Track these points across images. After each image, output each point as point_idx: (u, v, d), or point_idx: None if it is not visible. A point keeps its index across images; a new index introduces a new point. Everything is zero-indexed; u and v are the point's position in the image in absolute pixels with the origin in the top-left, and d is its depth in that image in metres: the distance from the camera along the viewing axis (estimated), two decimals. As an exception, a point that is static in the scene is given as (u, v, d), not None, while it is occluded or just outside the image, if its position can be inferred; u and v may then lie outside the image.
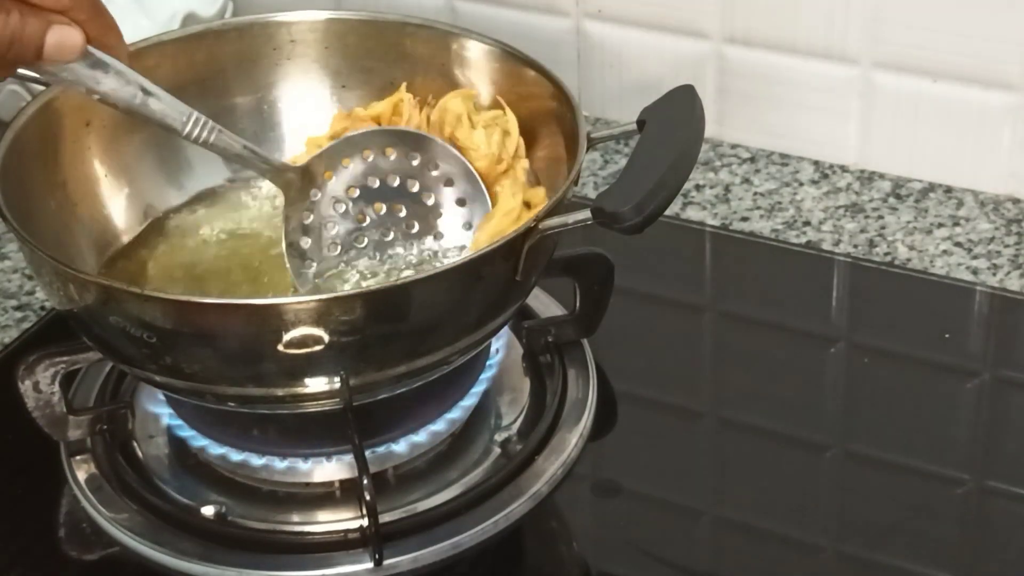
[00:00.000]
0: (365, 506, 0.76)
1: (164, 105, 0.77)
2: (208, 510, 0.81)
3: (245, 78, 0.93)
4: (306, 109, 0.94)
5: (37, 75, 0.75)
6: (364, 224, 0.86)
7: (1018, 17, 0.99)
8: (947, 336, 0.93)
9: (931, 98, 1.03)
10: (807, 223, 1.03)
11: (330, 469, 0.81)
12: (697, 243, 1.04)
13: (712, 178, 1.08)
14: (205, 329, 0.73)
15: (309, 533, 0.80)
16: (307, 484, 0.82)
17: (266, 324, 0.72)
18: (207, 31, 0.93)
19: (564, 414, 0.86)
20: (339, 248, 0.85)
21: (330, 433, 0.79)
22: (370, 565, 0.77)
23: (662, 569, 0.80)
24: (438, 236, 0.86)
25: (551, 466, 0.82)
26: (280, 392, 0.76)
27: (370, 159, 0.86)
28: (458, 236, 0.85)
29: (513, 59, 0.88)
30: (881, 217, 1.03)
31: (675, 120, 0.79)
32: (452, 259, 0.85)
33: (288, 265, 0.84)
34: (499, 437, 0.85)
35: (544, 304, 0.92)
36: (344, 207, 0.86)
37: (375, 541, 0.76)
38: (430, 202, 0.86)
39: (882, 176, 1.07)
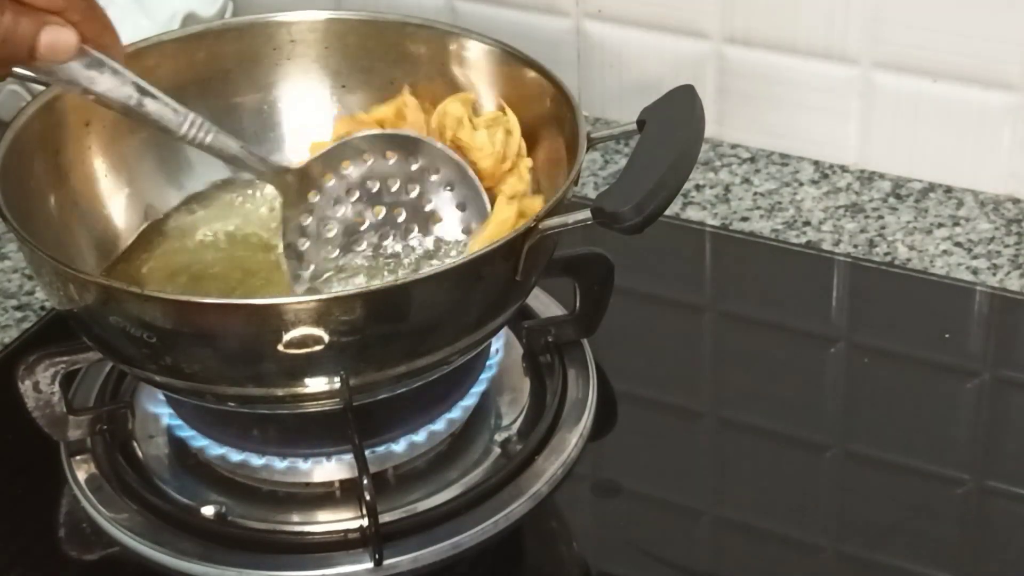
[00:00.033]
0: (365, 506, 0.76)
1: (160, 106, 0.77)
2: (208, 510, 0.81)
3: (245, 78, 0.93)
4: (306, 109, 0.94)
5: (35, 75, 0.75)
6: (363, 227, 0.86)
7: (1018, 17, 0.99)
8: (947, 336, 0.93)
9: (931, 98, 1.03)
10: (807, 223, 1.03)
11: (330, 469, 0.81)
12: (697, 243, 1.04)
13: (712, 178, 1.08)
14: (205, 329, 0.73)
15: (309, 533, 0.80)
16: (307, 484, 0.82)
17: (266, 324, 0.72)
18: (207, 31, 0.93)
19: (564, 414, 0.86)
20: (337, 251, 0.85)
21: (330, 433, 0.79)
22: (370, 565, 0.77)
23: (662, 569, 0.81)
24: (436, 241, 0.85)
25: (551, 466, 0.82)
26: (280, 392, 0.76)
27: (370, 162, 0.86)
28: (456, 241, 0.85)
29: (513, 59, 0.88)
30: (881, 217, 1.03)
31: (675, 120, 0.79)
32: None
33: (285, 267, 0.84)
34: (499, 437, 0.85)
35: (544, 304, 0.92)
36: (343, 210, 0.85)
37: (375, 541, 0.76)
38: (429, 207, 0.86)
39: (882, 176, 1.07)
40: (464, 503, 0.80)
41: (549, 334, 0.90)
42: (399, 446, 0.82)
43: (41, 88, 0.85)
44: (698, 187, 1.07)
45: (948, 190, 1.05)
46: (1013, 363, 0.92)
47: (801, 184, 1.07)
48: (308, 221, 0.85)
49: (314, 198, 0.85)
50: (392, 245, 0.85)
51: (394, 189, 0.86)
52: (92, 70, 0.74)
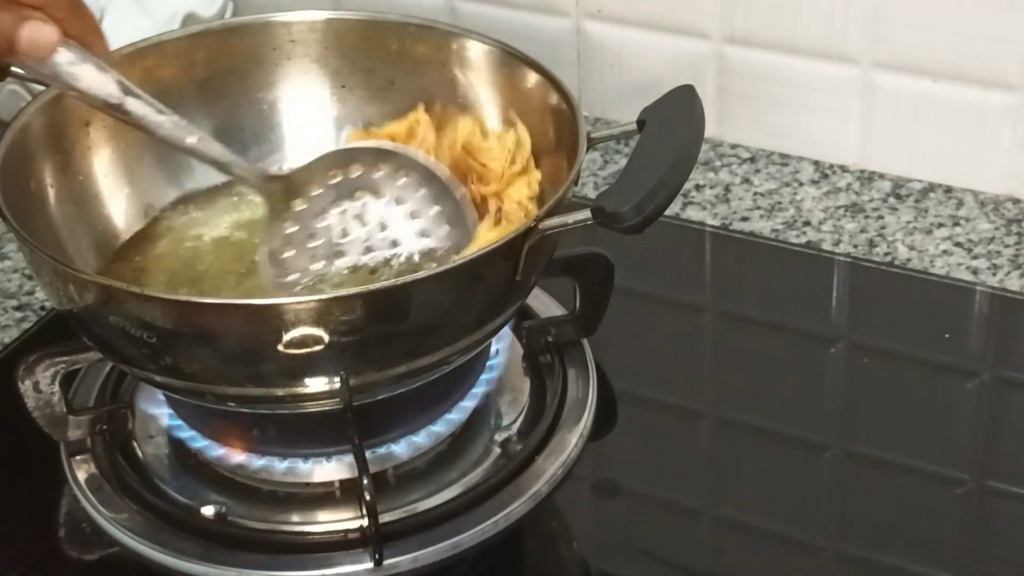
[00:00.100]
0: (365, 506, 0.76)
1: (143, 105, 0.77)
2: (208, 510, 0.81)
3: (245, 78, 0.93)
4: (306, 109, 0.94)
5: (21, 70, 0.75)
6: (347, 239, 0.85)
7: (1018, 17, 0.99)
8: (947, 336, 0.93)
9: (931, 98, 1.03)
10: (807, 223, 1.03)
11: (330, 469, 0.81)
12: (697, 243, 1.04)
13: (712, 178, 1.08)
14: (205, 329, 0.73)
15: (309, 533, 0.80)
16: (307, 484, 0.82)
17: (266, 324, 0.72)
18: (207, 31, 0.93)
19: (564, 414, 0.86)
20: (321, 262, 0.84)
21: (330, 433, 0.79)
22: (370, 565, 0.77)
23: (662, 569, 0.80)
24: (421, 256, 0.84)
25: (551, 466, 0.82)
26: (280, 392, 0.76)
27: (358, 174, 0.85)
28: (441, 258, 0.84)
29: (513, 59, 0.88)
30: (881, 217, 1.03)
31: (675, 120, 0.79)
32: None
33: (263, 272, 0.84)
34: (499, 437, 0.85)
35: (544, 304, 0.92)
36: (328, 221, 0.85)
37: (375, 541, 0.76)
38: (415, 222, 0.85)
39: (882, 176, 1.07)
40: (464, 503, 0.80)
41: (549, 334, 0.90)
42: (399, 446, 0.82)
43: (41, 88, 0.85)
44: (698, 187, 1.07)
45: (948, 190, 1.05)
46: (1013, 363, 0.92)
47: (801, 184, 1.07)
48: (292, 229, 0.84)
49: (300, 206, 0.84)
50: (376, 258, 0.84)
51: (381, 203, 0.85)
52: (74, 67, 0.75)
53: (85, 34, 0.74)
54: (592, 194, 1.06)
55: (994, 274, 0.97)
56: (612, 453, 0.87)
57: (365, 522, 0.76)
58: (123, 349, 0.76)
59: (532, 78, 0.87)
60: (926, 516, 0.81)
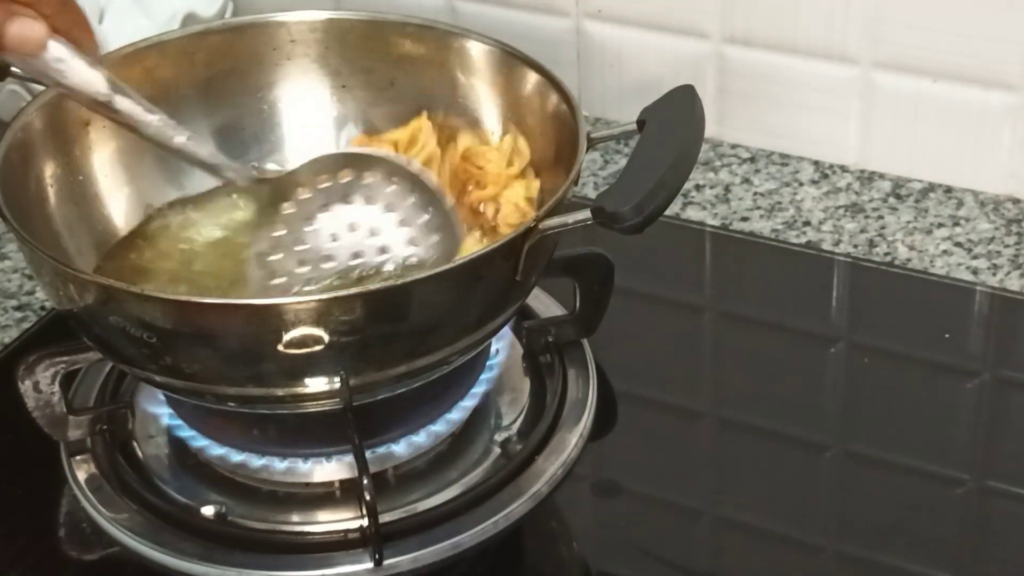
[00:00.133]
0: (365, 506, 0.76)
1: (131, 104, 0.77)
2: (208, 510, 0.81)
3: (245, 78, 0.93)
4: (306, 109, 0.94)
5: (20, 70, 0.75)
6: (335, 244, 0.84)
7: (1018, 17, 0.99)
8: (947, 336, 0.93)
9: (931, 98, 1.03)
10: (807, 223, 1.03)
11: (330, 469, 0.81)
12: (697, 243, 1.04)
13: (712, 178, 1.08)
14: (205, 329, 0.73)
15: (309, 533, 0.80)
16: (307, 484, 0.82)
17: (266, 324, 0.72)
18: (207, 31, 0.93)
19: (564, 414, 0.86)
20: (308, 266, 0.84)
21: (330, 433, 0.79)
22: (370, 565, 0.77)
23: (662, 569, 0.81)
24: (408, 263, 0.84)
25: (551, 466, 0.82)
26: (280, 392, 0.76)
27: (348, 180, 0.85)
28: (429, 266, 0.84)
29: (513, 59, 0.88)
30: (881, 217, 1.03)
31: (675, 120, 0.79)
32: None
33: (249, 275, 0.83)
34: (499, 437, 0.85)
35: (544, 304, 0.92)
36: (316, 225, 0.84)
37: (375, 541, 0.76)
38: (403, 229, 0.85)
39: (882, 176, 1.07)
40: (464, 503, 0.80)
41: (549, 334, 0.90)
42: (399, 446, 0.82)
43: (41, 88, 0.85)
44: (698, 187, 1.07)
45: (948, 190, 1.05)
46: (1013, 363, 0.92)
47: (801, 184, 1.07)
48: (280, 233, 0.84)
49: (288, 210, 0.84)
50: (363, 265, 0.84)
51: (370, 209, 0.85)
52: (63, 64, 0.74)
53: (74, 31, 0.74)
54: (592, 194, 1.06)
55: (994, 274, 0.97)
56: (612, 453, 0.87)
57: (365, 522, 0.76)
58: (123, 349, 0.76)
59: (532, 78, 0.87)
60: (926, 516, 0.81)
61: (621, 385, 0.90)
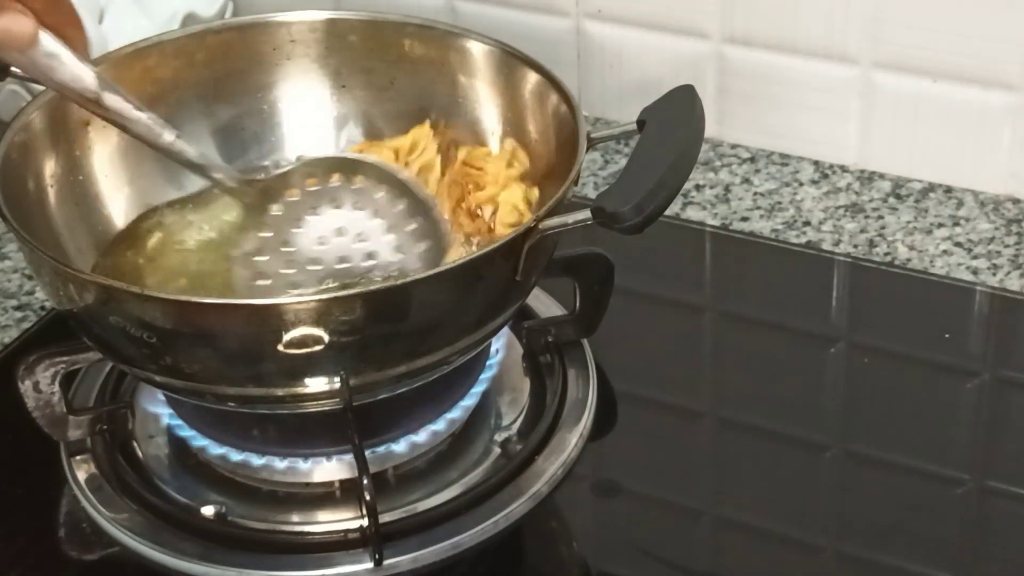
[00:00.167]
0: (365, 506, 0.76)
1: (120, 101, 0.77)
2: (208, 510, 0.81)
3: (245, 78, 0.93)
4: (306, 109, 0.94)
5: (21, 70, 0.75)
6: (322, 248, 0.84)
7: (1018, 17, 0.99)
8: (947, 336, 0.93)
9: (931, 98, 1.03)
10: (807, 223, 1.03)
11: (330, 469, 0.81)
12: (697, 243, 1.04)
13: (712, 178, 1.08)
14: (205, 329, 0.73)
15: (309, 533, 0.80)
16: (307, 484, 0.82)
17: (266, 324, 0.72)
18: (207, 31, 0.93)
19: (564, 414, 0.86)
20: (294, 269, 0.83)
21: (330, 433, 0.79)
22: (370, 565, 0.77)
23: (662, 569, 0.81)
24: (395, 269, 0.83)
25: (551, 466, 0.82)
26: (280, 392, 0.76)
27: (337, 184, 0.85)
28: (415, 272, 0.83)
29: (513, 59, 0.88)
30: (881, 217, 1.03)
31: (675, 120, 0.79)
32: None
33: (235, 276, 0.83)
34: (499, 437, 0.85)
35: (544, 304, 0.92)
36: (303, 228, 0.84)
37: (375, 541, 0.76)
38: (391, 235, 0.84)
39: (882, 176, 1.07)
40: (464, 503, 0.80)
41: (549, 334, 0.90)
42: (399, 446, 0.82)
43: (41, 88, 0.85)
44: (698, 187, 1.07)
45: (948, 190, 1.05)
46: (1013, 363, 0.92)
47: (801, 184, 1.07)
48: (267, 234, 0.84)
49: (276, 212, 0.84)
50: (350, 270, 0.83)
51: (358, 214, 0.85)
52: (51, 60, 0.74)
53: (64, 27, 0.74)
54: (592, 194, 1.06)
55: (994, 274, 0.97)
56: (612, 453, 0.87)
57: (365, 522, 0.76)
58: (123, 349, 0.76)
59: (532, 78, 0.87)
60: (926, 516, 0.81)
61: (621, 385, 0.90)
